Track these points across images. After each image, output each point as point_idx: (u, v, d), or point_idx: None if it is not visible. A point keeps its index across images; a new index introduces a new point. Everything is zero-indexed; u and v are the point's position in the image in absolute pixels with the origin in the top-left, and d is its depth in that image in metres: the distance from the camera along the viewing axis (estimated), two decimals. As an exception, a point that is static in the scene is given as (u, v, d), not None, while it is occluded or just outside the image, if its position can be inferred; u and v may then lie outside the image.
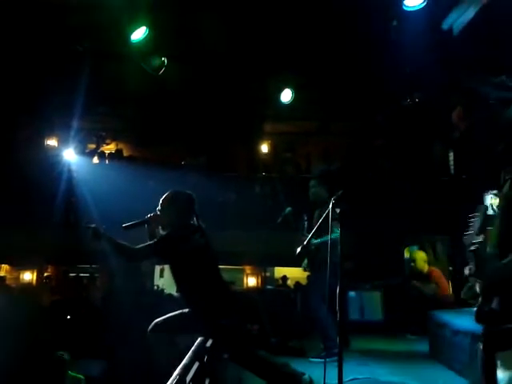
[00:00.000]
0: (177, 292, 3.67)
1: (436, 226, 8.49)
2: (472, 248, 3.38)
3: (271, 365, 3.48)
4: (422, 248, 7.79)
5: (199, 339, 3.29)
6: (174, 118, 11.11)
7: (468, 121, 2.26)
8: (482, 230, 3.65)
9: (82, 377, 4.23)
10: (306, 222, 5.30)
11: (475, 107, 2.22)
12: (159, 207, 3.63)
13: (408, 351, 5.64)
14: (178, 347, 3.34)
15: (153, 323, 3.48)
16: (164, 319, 3.50)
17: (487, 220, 3.72)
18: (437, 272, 6.91)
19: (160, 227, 3.65)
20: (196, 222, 3.64)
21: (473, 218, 3.88)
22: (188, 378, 2.57)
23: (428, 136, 8.93)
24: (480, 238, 3.54)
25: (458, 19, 5.30)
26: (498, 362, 1.67)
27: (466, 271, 3.65)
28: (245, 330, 3.68)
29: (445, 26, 5.48)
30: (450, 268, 8.10)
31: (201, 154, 11.70)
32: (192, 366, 2.72)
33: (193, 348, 2.97)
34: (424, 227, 8.52)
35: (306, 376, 3.52)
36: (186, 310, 3.51)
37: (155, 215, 3.59)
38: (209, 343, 3.24)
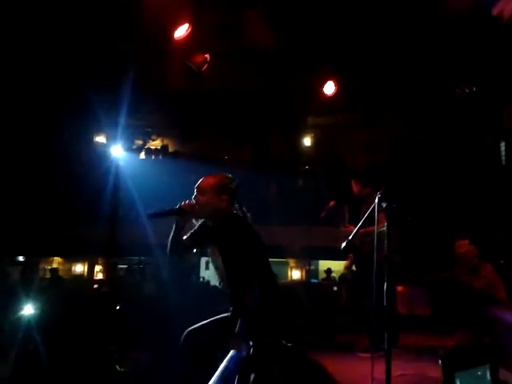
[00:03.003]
0: (226, 288, 3.12)
1: (488, 219, 8.22)
2: None
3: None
4: (472, 242, 7.54)
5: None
6: (217, 113, 11.22)
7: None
8: None
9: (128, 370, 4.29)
10: (346, 215, 5.27)
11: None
12: (198, 193, 3.02)
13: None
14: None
15: (186, 332, 2.96)
16: (200, 329, 2.99)
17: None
18: (488, 267, 6.67)
19: (195, 219, 3.03)
20: (241, 213, 3.09)
21: None
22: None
23: (478, 127, 8.64)
24: None
25: (508, 5, 5.08)
26: None
27: None
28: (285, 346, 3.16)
29: (494, 12, 5.27)
30: (502, 262, 7.82)
31: (244, 147, 11.78)
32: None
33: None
34: (475, 221, 8.26)
35: None
36: (227, 315, 3.02)
37: (191, 204, 2.96)
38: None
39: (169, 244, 3.01)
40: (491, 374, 0.61)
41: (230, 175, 3.14)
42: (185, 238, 3.01)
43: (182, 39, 6.83)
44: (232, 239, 2.93)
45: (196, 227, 3.06)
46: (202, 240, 3.09)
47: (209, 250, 3.20)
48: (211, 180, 3.06)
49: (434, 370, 4.20)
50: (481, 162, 9.07)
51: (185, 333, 2.98)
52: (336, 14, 7.24)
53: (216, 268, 3.20)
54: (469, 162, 9.03)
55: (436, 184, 8.87)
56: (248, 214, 3.11)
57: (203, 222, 3.08)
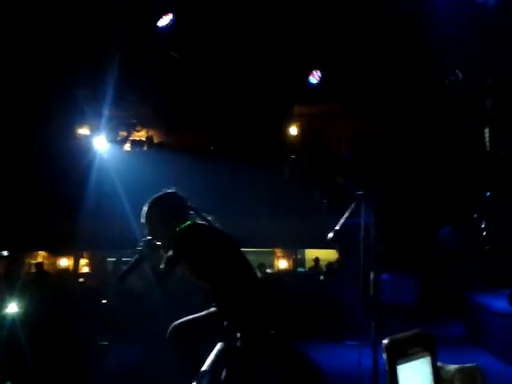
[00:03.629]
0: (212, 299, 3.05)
1: (471, 206, 8.27)
2: None
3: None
4: (455, 228, 7.63)
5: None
6: (202, 103, 11.12)
7: (500, 109, 2.20)
8: None
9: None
10: (325, 205, 5.30)
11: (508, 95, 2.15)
12: (150, 229, 2.92)
13: (443, 333, 5.56)
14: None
15: (172, 327, 2.94)
16: (186, 323, 2.96)
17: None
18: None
19: (162, 250, 2.93)
20: (200, 218, 3.01)
21: None
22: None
23: (465, 115, 8.69)
24: None
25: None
26: None
27: None
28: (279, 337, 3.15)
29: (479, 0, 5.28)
30: (487, 247, 7.90)
31: (230, 138, 11.71)
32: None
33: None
34: (458, 208, 8.33)
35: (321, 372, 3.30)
36: (213, 311, 2.99)
37: (148, 242, 2.87)
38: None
39: (153, 278, 2.93)
40: (431, 363, 0.63)
41: (169, 190, 3.00)
42: (161, 267, 2.90)
43: (166, 29, 6.76)
44: (196, 254, 2.87)
45: (168, 254, 2.92)
46: (177, 263, 2.96)
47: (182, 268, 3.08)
48: (154, 210, 2.93)
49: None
50: (466, 149, 9.13)
51: (171, 327, 2.97)
52: (322, 5, 7.21)
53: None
54: (454, 148, 9.09)
55: (420, 172, 8.92)
56: (209, 218, 3.01)
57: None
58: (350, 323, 5.17)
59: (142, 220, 2.92)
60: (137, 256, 2.84)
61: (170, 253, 2.89)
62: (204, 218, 2.99)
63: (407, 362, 0.65)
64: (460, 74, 4.93)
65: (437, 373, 0.65)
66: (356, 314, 4.86)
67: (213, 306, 3.04)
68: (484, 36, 5.61)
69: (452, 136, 9.12)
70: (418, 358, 0.65)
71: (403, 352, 0.65)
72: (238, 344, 2.83)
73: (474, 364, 0.67)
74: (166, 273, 2.91)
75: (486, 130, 9.00)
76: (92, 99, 10.12)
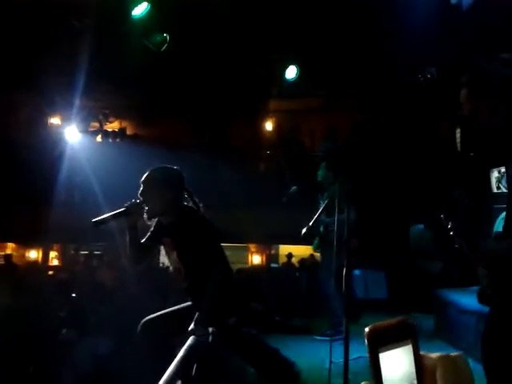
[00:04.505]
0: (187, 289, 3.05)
1: (441, 204, 8.40)
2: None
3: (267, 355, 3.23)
4: (428, 227, 7.74)
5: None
6: (177, 96, 11.00)
7: (473, 103, 2.21)
8: None
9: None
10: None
11: (481, 88, 2.17)
12: (144, 191, 2.93)
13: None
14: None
15: (142, 322, 2.96)
16: (158, 318, 2.99)
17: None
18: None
19: (146, 217, 2.95)
20: (193, 203, 3.04)
21: None
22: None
23: (436, 114, 8.83)
24: None
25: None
26: None
27: None
28: (248, 332, 3.13)
29: (453, 0, 5.35)
30: (456, 246, 8.04)
31: (204, 132, 11.62)
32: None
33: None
34: (430, 205, 8.45)
35: (296, 367, 3.37)
36: (186, 305, 3.03)
37: (138, 203, 2.89)
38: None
39: (128, 250, 2.96)
40: (413, 351, 0.62)
41: (175, 167, 3.06)
42: (143, 241, 2.99)
43: (140, 18, 6.63)
44: (187, 233, 2.89)
45: (152, 227, 3.02)
46: (159, 237, 3.03)
47: (163, 246, 3.14)
48: (156, 174, 2.98)
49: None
50: (438, 149, 9.29)
51: (142, 322, 2.97)
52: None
53: (170, 262, 3.14)
54: (426, 147, 9.22)
55: (393, 169, 9.01)
56: (200, 204, 3.05)
57: (157, 219, 3.02)
58: (322, 318, 5.20)
59: (141, 181, 2.95)
60: (122, 209, 2.84)
61: (149, 223, 2.96)
62: (196, 204, 3.03)
63: (389, 349, 0.63)
64: (433, 70, 4.99)
65: (419, 361, 0.64)
66: (333, 309, 4.89)
67: (187, 300, 3.03)
68: (457, 35, 5.70)
69: (426, 133, 9.23)
70: (400, 346, 0.64)
71: (385, 340, 0.63)
72: (210, 339, 2.83)
73: (458, 352, 0.65)
74: (148, 247, 3.01)
75: (458, 130, 9.13)
76: (64, 88, 9.89)
